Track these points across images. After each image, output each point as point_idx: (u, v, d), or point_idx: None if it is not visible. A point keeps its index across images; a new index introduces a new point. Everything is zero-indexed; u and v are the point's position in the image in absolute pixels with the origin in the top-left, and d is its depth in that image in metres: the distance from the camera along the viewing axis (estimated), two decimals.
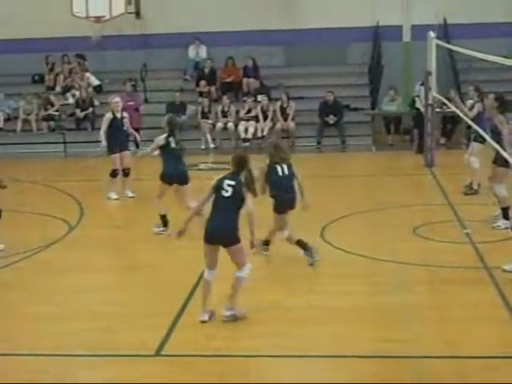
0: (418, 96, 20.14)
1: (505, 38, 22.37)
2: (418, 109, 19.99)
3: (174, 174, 12.35)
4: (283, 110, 21.58)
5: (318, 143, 21.28)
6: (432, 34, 17.80)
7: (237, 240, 8.58)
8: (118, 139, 15.17)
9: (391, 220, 13.23)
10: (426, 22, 21.23)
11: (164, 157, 12.53)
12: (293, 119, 21.49)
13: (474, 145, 14.67)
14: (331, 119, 21.30)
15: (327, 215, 13.26)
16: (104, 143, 15.17)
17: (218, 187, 8.60)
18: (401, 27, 23.25)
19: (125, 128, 15.38)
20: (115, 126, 15.18)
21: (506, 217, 12.13)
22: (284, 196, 10.73)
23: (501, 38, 22.22)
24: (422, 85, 18.67)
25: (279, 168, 10.77)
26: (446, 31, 22.43)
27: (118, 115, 15.27)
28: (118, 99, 15.56)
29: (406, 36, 23.29)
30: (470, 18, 22.52)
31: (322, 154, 20.88)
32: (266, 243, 10.97)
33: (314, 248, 10.74)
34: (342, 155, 20.72)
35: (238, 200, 8.55)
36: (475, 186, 14.72)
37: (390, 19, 22.85)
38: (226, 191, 8.54)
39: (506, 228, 11.72)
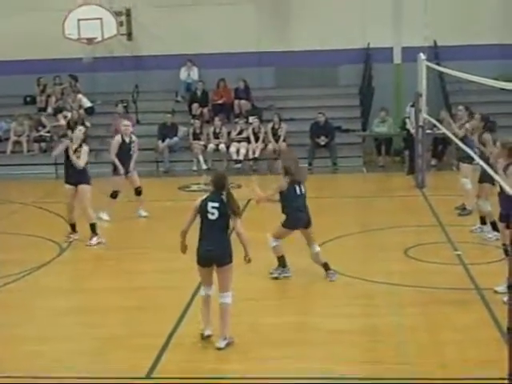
0: (408, 117, 20.22)
1: (495, 59, 22.50)
2: (408, 130, 20.08)
3: None
4: (275, 131, 21.64)
5: (310, 164, 21.30)
6: (422, 55, 17.90)
7: (230, 260, 8.65)
8: (124, 163, 15.17)
9: (383, 241, 13.26)
10: (417, 44, 21.42)
11: None
12: (284, 140, 21.54)
13: (463, 166, 14.75)
14: (322, 140, 21.35)
15: (319, 236, 13.17)
16: (118, 165, 15.13)
17: (203, 211, 8.61)
18: (391, 49, 23.41)
19: (131, 152, 15.36)
20: (123, 149, 15.21)
21: (494, 229, 12.52)
22: (298, 214, 10.94)
23: (491, 59, 22.36)
24: (413, 106, 18.76)
25: (297, 187, 11.14)
26: (436, 53, 22.56)
27: (127, 139, 15.32)
28: (127, 122, 15.69)
29: (397, 58, 23.45)
30: (460, 39, 22.66)
31: (313, 176, 20.74)
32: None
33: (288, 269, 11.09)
34: (333, 176, 20.75)
35: (225, 221, 8.61)
36: (469, 207, 14.73)
37: (381, 41, 22.98)
38: (212, 214, 8.58)
39: (497, 239, 12.03)
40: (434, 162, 21.03)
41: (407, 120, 20.33)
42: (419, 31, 22.40)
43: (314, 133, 21.47)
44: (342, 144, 21.71)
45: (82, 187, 13.46)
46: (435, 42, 22.98)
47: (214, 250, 8.56)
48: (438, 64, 20.62)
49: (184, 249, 8.81)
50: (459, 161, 14.90)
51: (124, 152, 15.22)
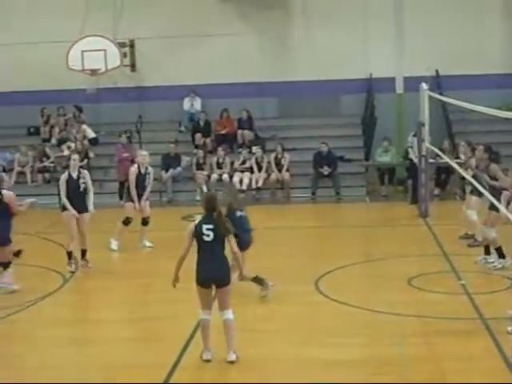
0: (411, 147, 20.26)
1: (497, 89, 22.58)
2: (411, 160, 20.10)
3: None
4: (278, 161, 21.69)
5: (313, 194, 21.35)
6: (424, 85, 17.97)
7: (229, 280, 8.89)
8: (137, 192, 15.20)
9: (386, 271, 13.22)
10: (419, 74, 21.45)
11: None
12: (287, 170, 21.58)
13: (472, 198, 14.65)
14: (325, 170, 21.39)
15: (322, 266, 13.25)
16: (133, 194, 15.17)
17: (199, 234, 8.79)
18: (394, 79, 23.52)
19: (146, 184, 15.34)
20: (139, 179, 15.24)
21: (500, 256, 12.63)
22: (244, 235, 11.13)
23: (493, 89, 22.43)
24: (415, 136, 18.79)
25: (238, 212, 11.34)
26: (438, 83, 22.64)
27: (143, 170, 15.31)
28: (145, 153, 15.72)
29: (399, 88, 23.55)
30: (462, 69, 22.75)
31: (316, 205, 20.92)
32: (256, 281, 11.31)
33: (268, 281, 11.23)
34: (336, 206, 20.75)
35: (221, 241, 8.84)
36: (479, 238, 14.58)
37: (383, 71, 23.11)
38: (208, 235, 8.77)
39: (503, 267, 12.32)
40: (437, 191, 21.04)
41: (410, 149, 20.36)
42: (421, 61, 22.47)
43: (317, 162, 21.51)
44: (344, 174, 21.74)
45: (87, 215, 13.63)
46: (437, 72, 23.07)
47: (214, 271, 8.77)
48: (440, 94, 20.71)
49: (176, 280, 8.90)
50: (470, 193, 14.78)
51: (139, 182, 15.25)
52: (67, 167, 14.14)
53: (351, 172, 22.01)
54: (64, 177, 13.79)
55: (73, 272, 13.46)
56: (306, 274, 12.75)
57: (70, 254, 13.69)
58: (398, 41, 23.39)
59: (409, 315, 10.57)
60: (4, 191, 12.24)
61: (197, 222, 8.89)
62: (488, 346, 9.27)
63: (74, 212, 13.57)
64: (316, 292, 11.79)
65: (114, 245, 15.24)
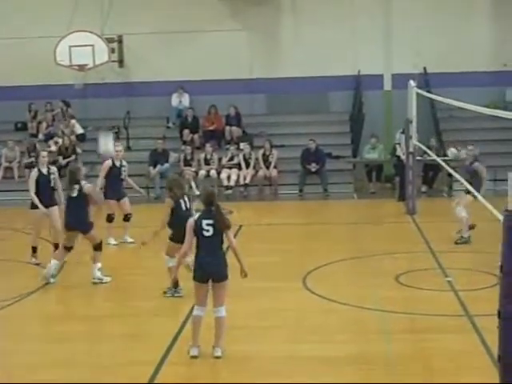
0: (398, 144, 20.28)
1: (485, 87, 22.63)
2: (398, 157, 20.14)
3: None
4: (265, 157, 21.69)
5: (300, 191, 21.36)
6: (412, 82, 17.99)
7: (227, 276, 8.89)
8: (115, 187, 15.20)
9: (374, 268, 13.24)
10: (407, 71, 21.50)
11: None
12: (275, 167, 21.59)
13: (466, 196, 14.63)
14: (313, 167, 21.40)
15: (310, 263, 13.26)
16: (100, 187, 15.10)
17: (199, 229, 8.85)
18: (382, 76, 23.55)
19: (122, 177, 15.37)
20: (113, 173, 15.21)
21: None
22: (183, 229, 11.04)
23: (481, 87, 22.49)
24: (403, 133, 18.82)
25: (183, 203, 11.29)
26: (426, 80, 22.69)
27: (118, 163, 15.29)
28: (120, 148, 15.68)
29: (387, 85, 23.59)
30: (451, 67, 22.82)
31: (304, 202, 20.94)
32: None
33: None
34: (324, 203, 20.76)
35: (220, 236, 8.91)
36: (465, 235, 14.71)
37: (371, 68, 23.15)
38: (207, 231, 8.84)
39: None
40: (424, 188, 21.09)
41: (397, 146, 20.39)
42: (409, 58, 22.57)
43: (305, 159, 21.52)
44: (332, 170, 21.76)
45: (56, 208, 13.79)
46: (425, 69, 23.11)
47: (213, 265, 8.80)
48: (428, 91, 20.74)
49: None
50: (466, 193, 14.77)
51: (114, 176, 15.23)
52: (55, 163, 14.15)
53: (339, 169, 22.03)
54: (34, 174, 13.76)
55: (37, 264, 13.50)
56: (293, 270, 12.75)
57: (34, 249, 13.83)
58: (387, 38, 23.44)
59: (396, 312, 10.57)
60: (83, 182, 12.43)
61: (196, 217, 8.97)
62: (475, 342, 9.29)
63: (45, 210, 13.54)
64: (304, 289, 11.79)
65: (112, 240, 15.33)
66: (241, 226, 15.92)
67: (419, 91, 18.00)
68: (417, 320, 10.28)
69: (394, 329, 9.96)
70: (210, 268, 8.81)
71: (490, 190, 15.77)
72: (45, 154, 14.17)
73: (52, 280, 12.40)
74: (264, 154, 21.73)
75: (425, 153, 18.74)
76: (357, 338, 9.68)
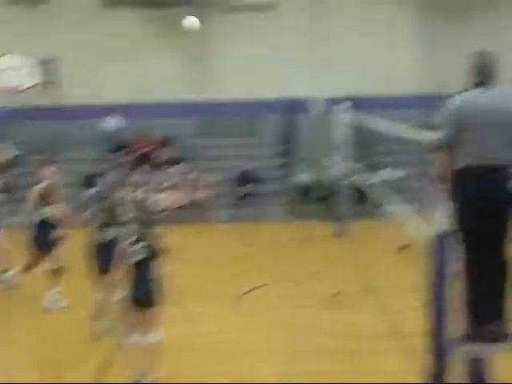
0: (328, 166, 20.49)
1: (413, 109, 23.05)
2: (327, 180, 20.32)
3: None
4: (197, 181, 21.74)
5: (233, 213, 21.43)
6: (341, 106, 18.27)
7: (158, 301, 8.86)
8: None
9: (305, 290, 13.36)
10: (336, 95, 21.85)
11: None
12: (208, 189, 21.65)
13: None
14: (246, 190, 21.52)
15: (241, 286, 13.33)
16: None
17: (127, 254, 8.87)
18: (311, 100, 23.84)
19: None
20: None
21: None
22: None
23: (409, 109, 22.91)
24: (333, 156, 19.05)
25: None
26: (355, 103, 23.01)
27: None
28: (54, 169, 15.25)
29: (316, 108, 23.89)
30: (380, 90, 23.22)
31: (236, 225, 21.01)
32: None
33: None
34: (256, 225, 20.87)
35: (150, 261, 8.91)
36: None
37: (301, 92, 23.42)
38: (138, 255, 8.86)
39: None
40: (354, 210, 21.34)
41: (327, 169, 20.60)
42: (338, 82, 22.90)
43: (238, 182, 21.64)
44: (264, 193, 21.91)
45: None
46: (354, 93, 23.44)
47: (144, 291, 8.75)
48: (356, 114, 21.05)
49: None
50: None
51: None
52: None
53: (271, 191, 22.21)
54: None
55: None
56: (224, 293, 12.81)
57: None
58: (316, 61, 23.74)
59: (326, 333, 10.71)
60: None
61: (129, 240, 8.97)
62: (406, 363, 9.44)
63: None
64: (234, 312, 11.85)
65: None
66: (171, 249, 15.92)
67: (348, 114, 18.29)
68: (347, 341, 10.42)
69: (325, 350, 10.08)
70: (142, 294, 8.78)
71: None
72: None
73: None
74: (196, 177, 21.78)
75: (354, 175, 18.99)
76: (287, 360, 9.76)
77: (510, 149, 6.20)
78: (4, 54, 21.99)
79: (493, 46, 7.08)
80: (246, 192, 21.52)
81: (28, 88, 22.23)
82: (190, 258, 15.44)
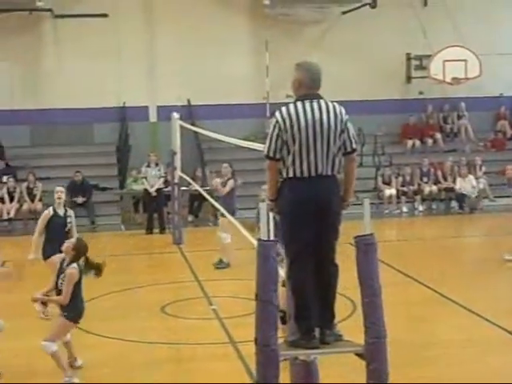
0: (145, 178, 20.34)
1: (246, 118, 23.41)
2: (146, 189, 20.26)
3: None
4: (30, 190, 21.20)
5: None
6: (176, 114, 18.32)
7: None
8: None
9: (140, 299, 13.31)
10: (171, 103, 21.87)
11: None
12: (40, 200, 21.13)
13: (222, 220, 15.11)
14: (80, 199, 21.17)
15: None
16: None
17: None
18: (147, 108, 23.76)
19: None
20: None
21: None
22: None
23: (242, 118, 23.26)
24: (148, 166, 19.20)
25: None
26: (190, 112, 23.16)
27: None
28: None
29: (153, 116, 23.85)
30: (213, 99, 23.39)
31: None
32: None
33: None
34: (91, 235, 20.43)
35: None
36: (226, 260, 15.22)
37: (137, 100, 23.27)
38: None
39: None
40: (190, 218, 21.45)
41: (144, 180, 20.42)
42: (173, 90, 22.92)
43: (72, 191, 21.22)
44: (99, 202, 21.65)
45: None
46: (189, 101, 23.58)
47: None
48: (192, 123, 21.19)
49: None
50: (221, 216, 15.23)
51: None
52: None
53: (106, 200, 21.97)
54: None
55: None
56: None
57: None
58: (151, 70, 23.67)
59: (161, 342, 10.68)
60: None
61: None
62: (239, 369, 9.51)
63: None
64: None
65: None
66: (4, 263, 15.43)
67: (182, 123, 18.35)
68: (182, 349, 10.45)
69: (159, 359, 10.04)
70: None
71: None
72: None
73: None
74: (28, 187, 21.22)
75: (190, 184, 19.08)
76: (121, 371, 9.65)
77: (335, 159, 6.36)
78: None
79: (318, 57, 7.24)
80: (81, 201, 21.11)
81: None
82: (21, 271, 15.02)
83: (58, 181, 21.68)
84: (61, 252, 10.17)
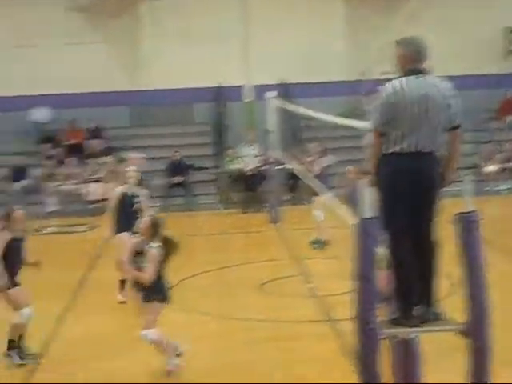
0: (241, 157, 20.39)
1: (342, 96, 23.22)
2: (241, 169, 20.34)
3: None
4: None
5: (165, 203, 21.31)
6: (271, 93, 18.29)
7: None
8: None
9: (238, 277, 13.38)
10: (267, 82, 21.86)
11: None
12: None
13: (315, 198, 15.08)
14: (178, 179, 21.42)
15: (175, 276, 13.20)
16: None
17: None
18: (242, 87, 23.81)
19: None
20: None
21: None
22: None
23: (338, 96, 23.08)
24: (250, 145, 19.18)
25: None
26: (286, 90, 23.11)
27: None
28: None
29: (248, 96, 23.88)
30: (309, 77, 23.31)
31: (169, 214, 20.84)
32: None
33: None
34: (189, 214, 20.80)
35: None
36: (322, 239, 15.14)
37: (232, 79, 23.36)
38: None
39: None
40: (286, 196, 21.46)
41: (240, 159, 20.46)
42: (269, 69, 22.91)
43: (170, 171, 21.51)
44: (196, 182, 21.86)
45: None
46: (285, 80, 23.52)
47: None
48: (288, 101, 21.13)
49: None
50: (314, 194, 15.21)
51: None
52: None
53: (203, 180, 22.16)
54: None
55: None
56: None
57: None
58: (246, 49, 23.72)
59: (261, 320, 10.72)
60: None
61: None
62: (336, 348, 9.48)
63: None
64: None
65: None
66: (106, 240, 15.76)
67: (278, 102, 18.32)
68: (281, 327, 10.44)
69: (259, 337, 10.07)
70: None
71: None
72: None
73: None
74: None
75: (285, 162, 19.04)
76: (221, 348, 9.73)
77: (438, 136, 6.26)
78: None
79: (415, 32, 7.06)
80: (179, 181, 21.38)
81: None
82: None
83: (156, 161, 22.09)
84: (130, 231, 10.36)
